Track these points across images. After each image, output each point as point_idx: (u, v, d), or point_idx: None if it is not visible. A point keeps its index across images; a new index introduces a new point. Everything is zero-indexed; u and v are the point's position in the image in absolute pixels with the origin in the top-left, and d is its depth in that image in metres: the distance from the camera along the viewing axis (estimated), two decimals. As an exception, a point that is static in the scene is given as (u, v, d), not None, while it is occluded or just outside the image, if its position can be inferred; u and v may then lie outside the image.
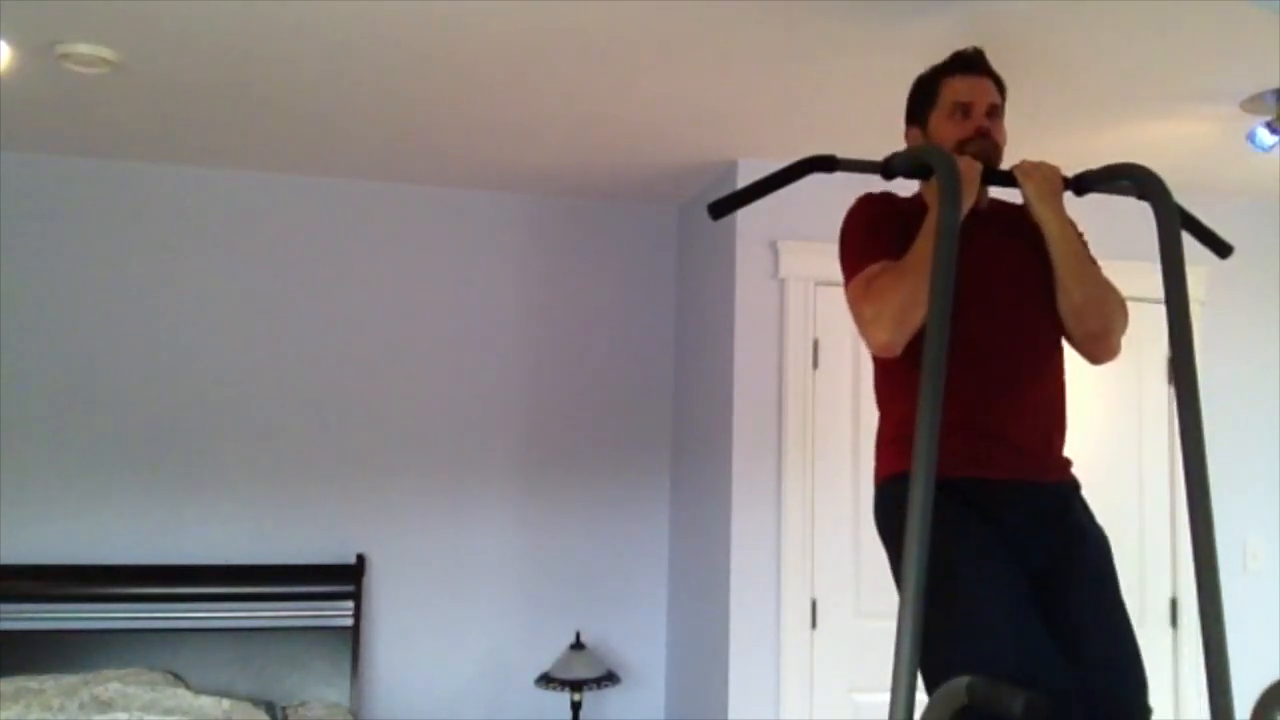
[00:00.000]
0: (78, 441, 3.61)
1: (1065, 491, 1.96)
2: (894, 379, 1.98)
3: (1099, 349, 1.98)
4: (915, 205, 1.98)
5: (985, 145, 1.97)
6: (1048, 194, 1.93)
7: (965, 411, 1.82)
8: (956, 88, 1.99)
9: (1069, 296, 1.94)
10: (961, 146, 1.94)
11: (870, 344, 1.85)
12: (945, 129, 1.98)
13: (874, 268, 1.88)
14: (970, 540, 1.77)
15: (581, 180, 3.86)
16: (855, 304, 1.91)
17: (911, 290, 1.76)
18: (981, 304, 1.88)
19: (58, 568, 3.51)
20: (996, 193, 2.03)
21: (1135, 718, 1.77)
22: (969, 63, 2.03)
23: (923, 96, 2.06)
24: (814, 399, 3.43)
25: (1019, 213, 2.00)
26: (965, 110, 1.99)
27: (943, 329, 1.48)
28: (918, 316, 1.76)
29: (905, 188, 1.99)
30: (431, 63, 2.70)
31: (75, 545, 3.56)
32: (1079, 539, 1.92)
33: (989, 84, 2.03)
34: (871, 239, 1.95)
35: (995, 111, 2.02)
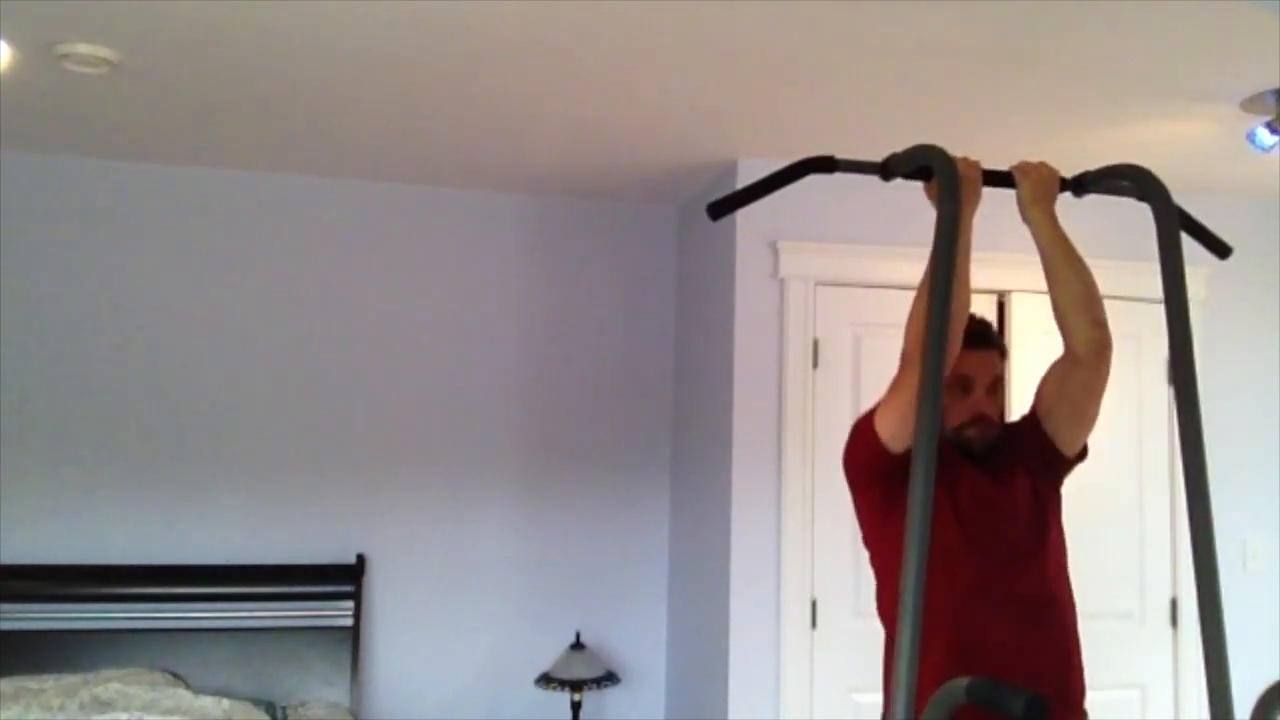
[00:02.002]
0: (78, 442, 3.61)
1: None
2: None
3: (1102, 338, 1.98)
4: None
5: (984, 429, 2.03)
6: (1041, 195, 1.95)
7: (963, 655, 1.84)
8: (961, 362, 1.95)
9: (1069, 285, 1.95)
10: (959, 431, 2.01)
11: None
12: (945, 404, 1.95)
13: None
14: None
15: (581, 180, 3.86)
16: (893, 390, 1.91)
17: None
18: (983, 542, 1.92)
19: (58, 568, 3.51)
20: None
21: None
22: (975, 337, 2.00)
23: None
24: (814, 399, 3.43)
25: (997, 449, 2.05)
26: (966, 386, 2.01)
27: (943, 329, 1.47)
28: (953, 336, 1.78)
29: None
30: (432, 63, 2.70)
31: (75, 545, 3.56)
32: None
33: (994, 357, 2.06)
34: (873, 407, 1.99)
35: (996, 385, 2.06)
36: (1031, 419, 2.11)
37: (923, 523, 1.37)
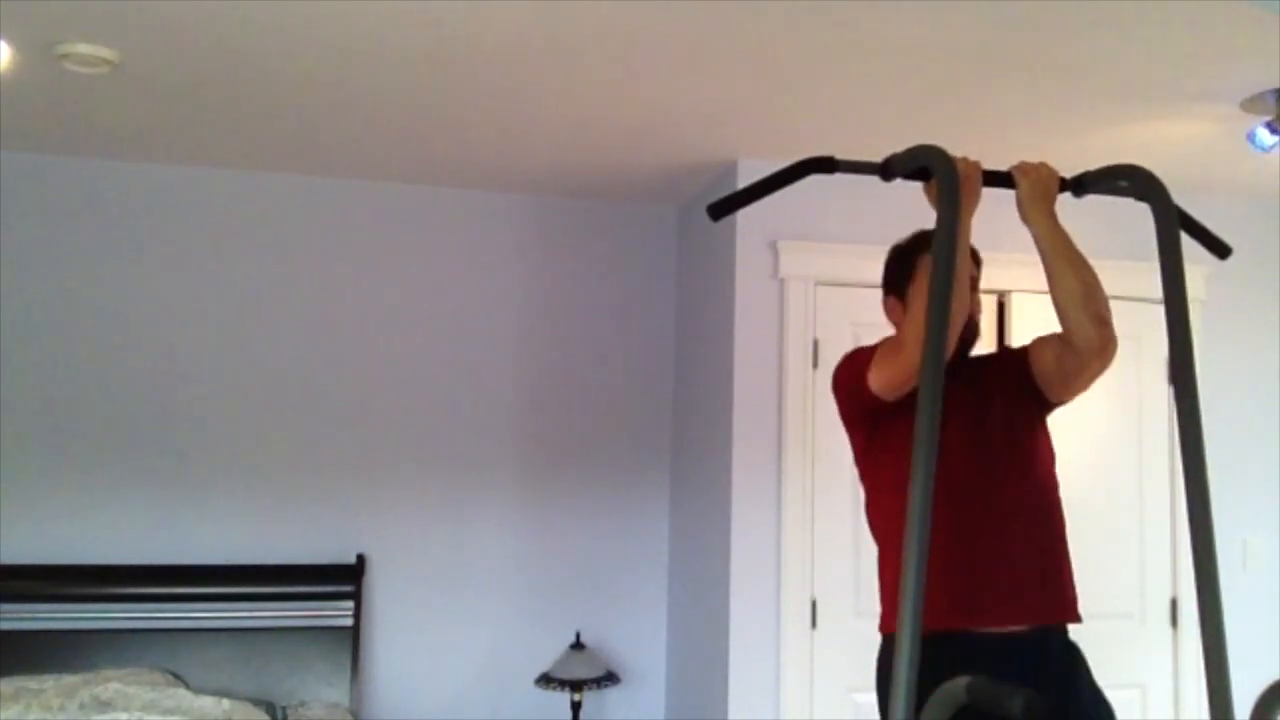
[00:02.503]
0: (78, 442, 3.61)
1: (1072, 648, 2.00)
2: (896, 512, 2.01)
3: (1104, 336, 1.99)
4: None
5: (968, 331, 2.06)
6: (1040, 195, 1.95)
7: (956, 561, 1.86)
8: None
9: (1069, 284, 1.96)
10: None
11: (917, 366, 1.85)
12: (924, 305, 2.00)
13: (887, 337, 1.96)
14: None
15: (581, 180, 3.86)
16: (888, 354, 1.96)
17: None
18: (965, 449, 1.93)
19: (58, 568, 3.51)
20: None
21: None
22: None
23: (900, 268, 2.12)
24: (814, 399, 3.43)
25: (973, 366, 2.09)
26: None
27: (943, 329, 1.47)
28: (953, 329, 1.80)
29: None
30: (432, 63, 2.70)
31: (75, 545, 3.56)
32: (1084, 700, 1.94)
33: (967, 259, 2.05)
34: (867, 350, 2.05)
35: (973, 286, 2.07)
36: (1023, 360, 2.14)
37: (923, 521, 1.37)
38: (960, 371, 2.05)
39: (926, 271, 1.99)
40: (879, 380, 1.98)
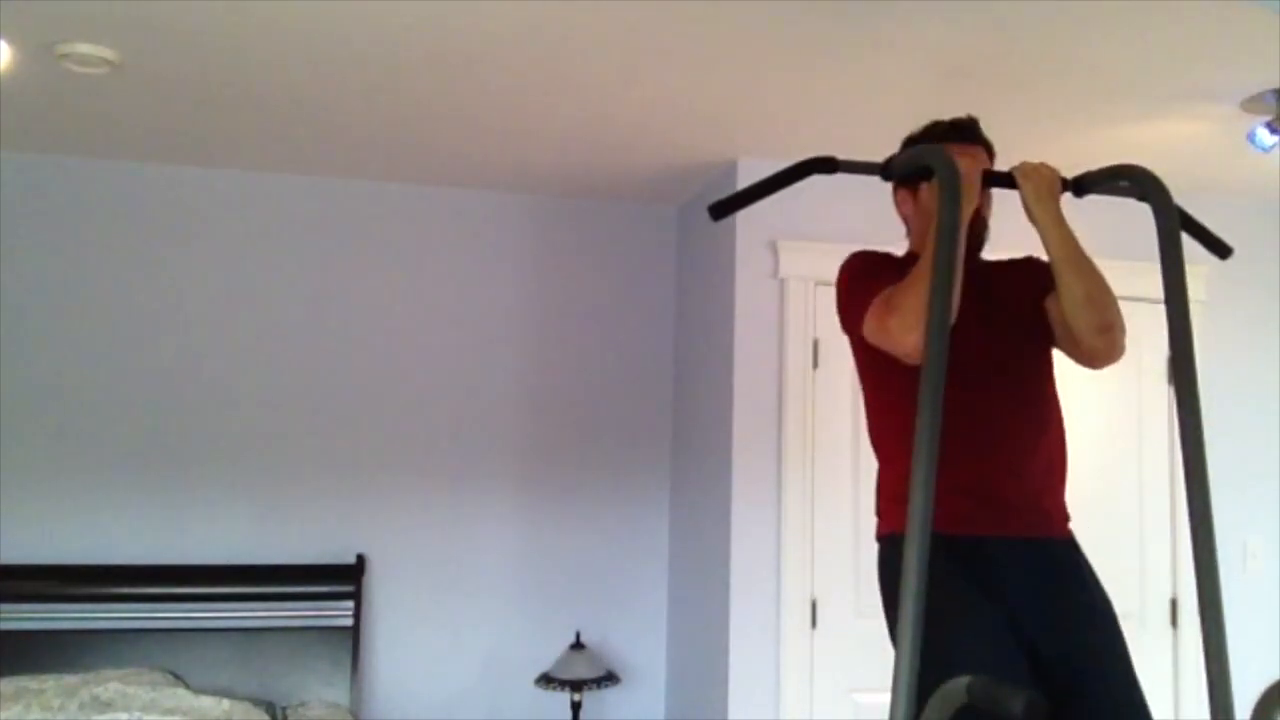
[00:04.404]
0: (78, 442, 3.61)
1: (1069, 549, 1.98)
2: (894, 431, 1.99)
3: (1108, 343, 1.97)
4: (907, 260, 2.03)
5: (977, 228, 2.00)
6: (1045, 196, 1.94)
7: (958, 470, 1.84)
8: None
9: (1072, 291, 1.94)
10: None
11: (904, 351, 1.82)
12: (936, 202, 1.97)
13: (887, 290, 1.90)
14: (956, 599, 1.80)
15: (581, 180, 3.86)
16: (880, 321, 1.91)
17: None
18: (967, 362, 1.90)
19: (58, 568, 3.51)
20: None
21: None
22: (965, 132, 2.00)
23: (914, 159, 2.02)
24: (814, 399, 3.43)
25: (987, 270, 2.04)
26: None
27: (943, 329, 1.48)
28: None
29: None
30: (432, 63, 2.70)
31: (75, 545, 3.56)
32: (1084, 594, 1.93)
33: (982, 154, 2.04)
34: (875, 274, 1.98)
35: (985, 180, 2.02)
36: (1039, 291, 2.05)
37: (924, 519, 1.37)
38: (971, 272, 1.97)
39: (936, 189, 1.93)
40: (871, 335, 1.94)
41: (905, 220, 2.14)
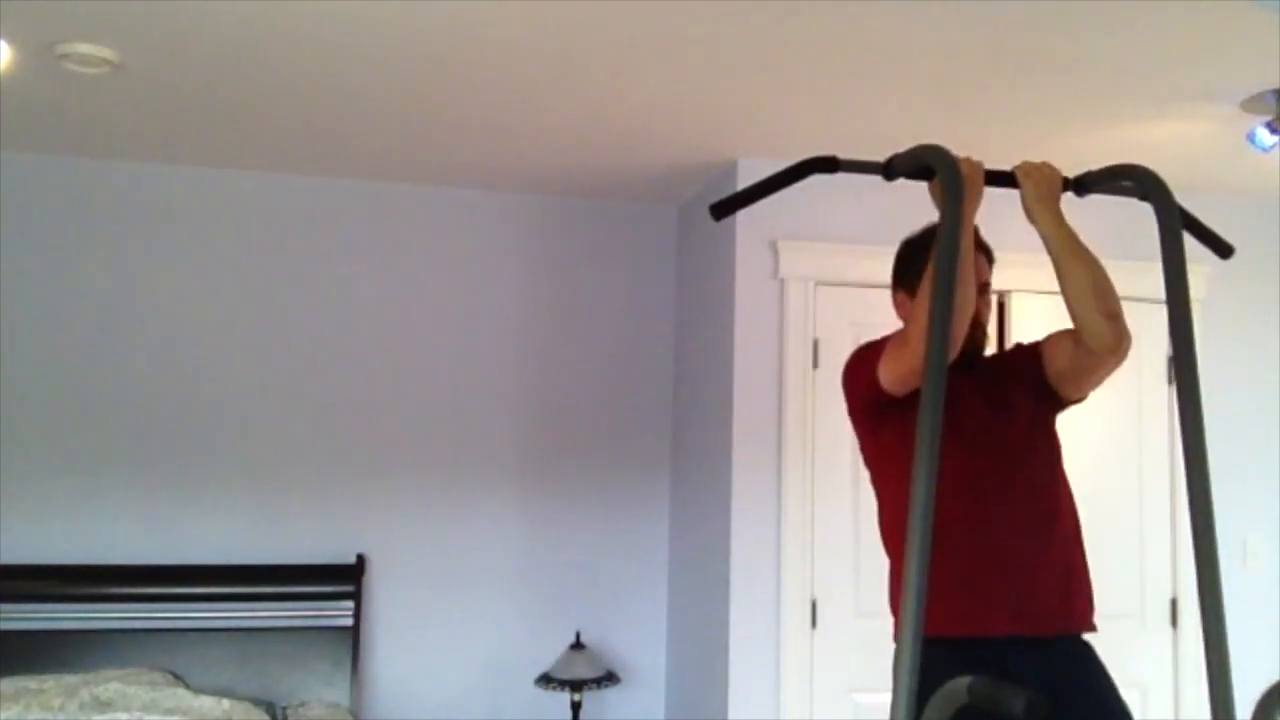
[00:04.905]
0: (78, 441, 3.61)
1: (1086, 653, 1.98)
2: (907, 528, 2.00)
3: (1115, 331, 1.97)
4: None
5: (975, 334, 2.03)
6: (1046, 195, 1.94)
7: (967, 567, 1.84)
8: None
9: (1078, 280, 1.94)
10: None
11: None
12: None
13: (894, 332, 1.93)
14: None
15: (581, 180, 3.86)
16: (896, 348, 1.93)
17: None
18: (980, 454, 1.92)
19: (58, 568, 3.51)
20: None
21: None
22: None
23: (912, 263, 2.05)
24: (814, 399, 3.43)
25: (988, 364, 2.08)
26: None
27: (945, 329, 1.47)
28: (958, 327, 1.81)
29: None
30: (432, 63, 2.70)
31: (75, 545, 3.56)
32: (1100, 699, 1.93)
33: (982, 261, 2.06)
34: (877, 344, 2.03)
35: (984, 289, 2.06)
36: (1035, 357, 2.12)
37: (924, 522, 1.37)
38: (974, 371, 2.04)
39: None
40: (888, 375, 1.96)
41: (905, 323, 2.13)
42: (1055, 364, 2.08)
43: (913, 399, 1.88)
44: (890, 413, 2.01)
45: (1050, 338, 2.13)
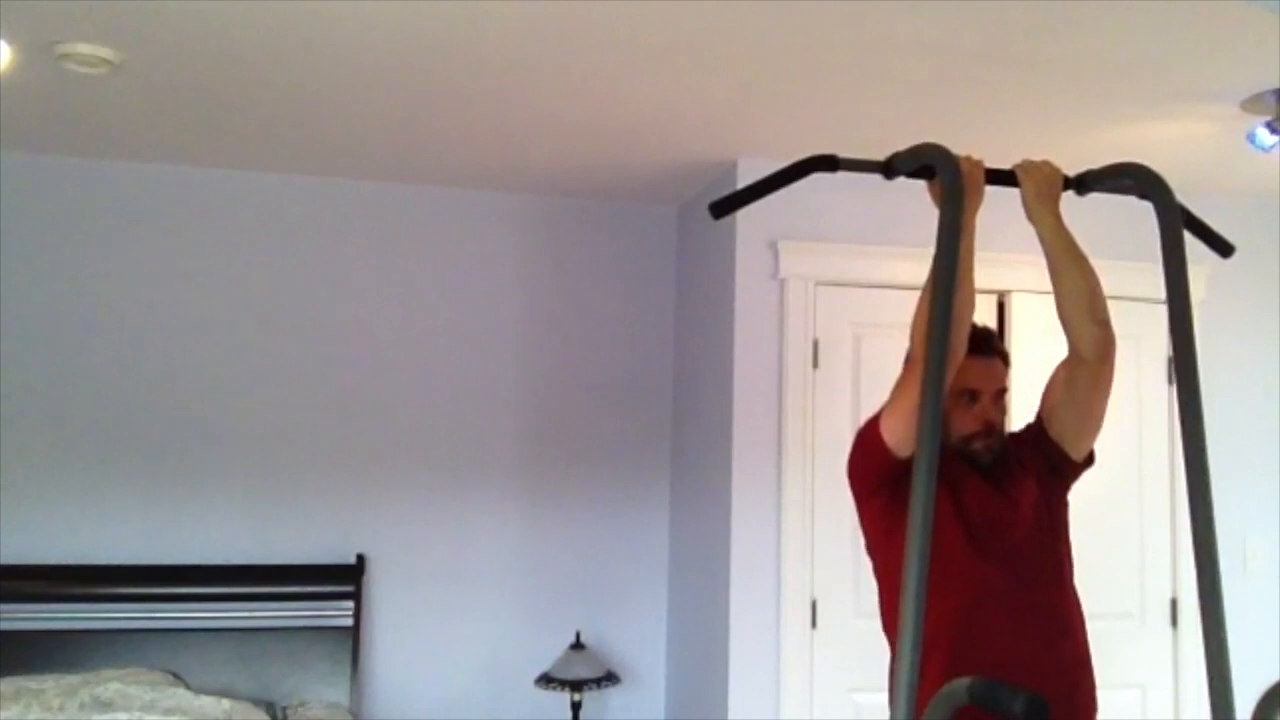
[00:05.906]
0: (78, 442, 3.61)
1: None
2: None
3: (1105, 335, 1.98)
4: None
5: (991, 439, 2.02)
6: (1046, 194, 1.94)
7: (975, 670, 1.83)
8: (966, 371, 1.94)
9: (1074, 284, 1.95)
10: (967, 441, 2.00)
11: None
12: (952, 414, 1.97)
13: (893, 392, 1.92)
14: None
15: (581, 180, 3.86)
16: (896, 397, 1.90)
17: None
18: (986, 555, 1.91)
19: (58, 568, 3.51)
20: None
21: None
22: (980, 344, 2.00)
23: None
24: (814, 399, 3.43)
25: (1001, 459, 2.04)
26: (972, 395, 2.01)
27: (945, 328, 1.47)
28: (957, 339, 1.80)
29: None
30: (432, 63, 2.70)
31: (75, 545, 3.56)
32: None
33: (998, 366, 2.05)
34: (876, 417, 1.99)
35: (1001, 395, 2.05)
36: (1037, 426, 2.12)
37: (924, 525, 1.37)
38: (989, 475, 2.03)
39: (961, 381, 1.96)
40: (892, 424, 1.91)
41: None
42: (1053, 405, 2.07)
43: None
44: (903, 486, 1.95)
45: (1043, 393, 2.12)
